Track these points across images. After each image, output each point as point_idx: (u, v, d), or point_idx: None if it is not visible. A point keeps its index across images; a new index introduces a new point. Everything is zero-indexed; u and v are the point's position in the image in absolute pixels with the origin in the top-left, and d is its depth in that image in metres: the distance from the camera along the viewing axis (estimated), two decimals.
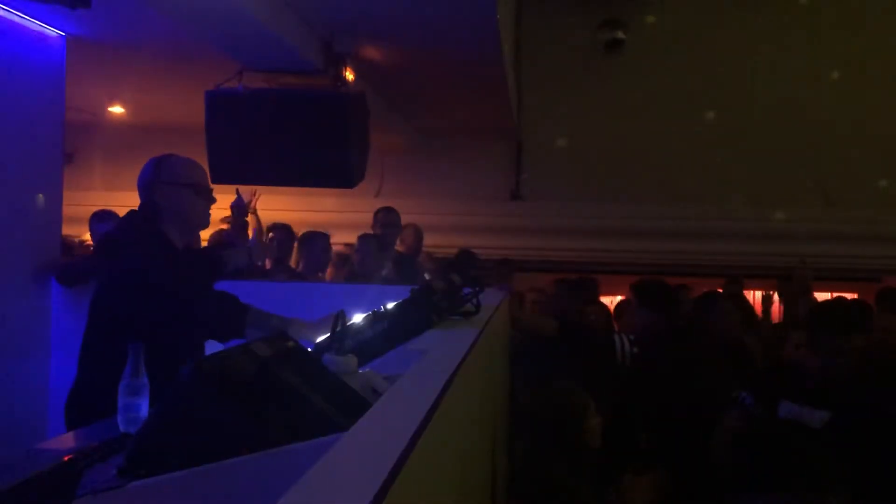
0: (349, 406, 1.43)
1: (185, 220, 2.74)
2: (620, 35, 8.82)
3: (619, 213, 8.89)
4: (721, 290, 6.67)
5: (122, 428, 1.87)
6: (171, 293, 2.58)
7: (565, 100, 9.04)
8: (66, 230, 4.96)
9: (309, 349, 1.79)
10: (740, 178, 8.86)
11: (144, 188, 2.73)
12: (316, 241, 5.54)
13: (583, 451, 2.94)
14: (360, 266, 5.49)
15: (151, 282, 2.55)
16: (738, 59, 8.94)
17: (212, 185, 2.88)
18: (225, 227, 6.10)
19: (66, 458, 1.18)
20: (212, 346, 2.75)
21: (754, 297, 8.88)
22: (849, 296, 5.80)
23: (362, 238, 5.65)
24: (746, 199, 8.82)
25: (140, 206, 2.73)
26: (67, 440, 1.98)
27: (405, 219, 6.01)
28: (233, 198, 5.20)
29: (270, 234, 5.63)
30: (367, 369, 1.73)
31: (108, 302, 2.63)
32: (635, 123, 8.94)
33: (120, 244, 2.73)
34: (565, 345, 3.91)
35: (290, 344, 1.61)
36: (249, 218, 5.47)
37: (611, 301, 6.75)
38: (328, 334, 3.32)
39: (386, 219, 5.74)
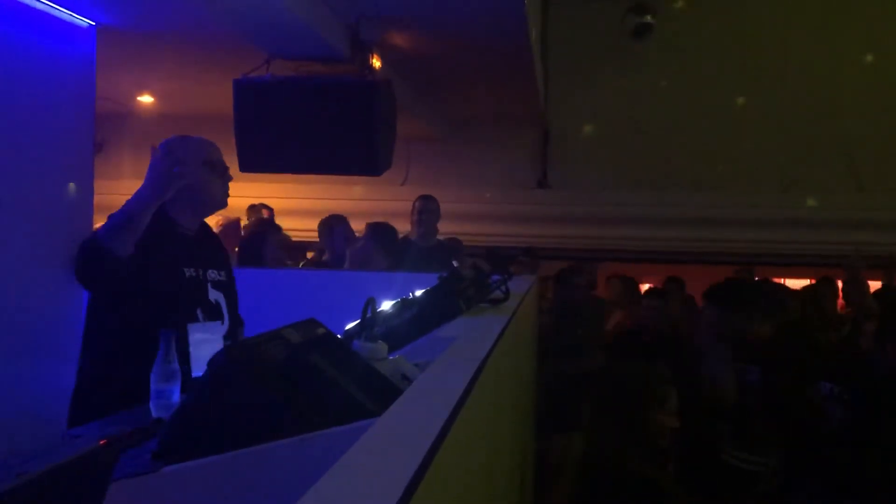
0: (380, 392, 1.43)
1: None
2: (649, 19, 8.69)
3: (647, 201, 8.81)
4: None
5: (154, 414, 1.89)
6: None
7: (592, 87, 8.97)
8: (97, 220, 5.01)
9: (339, 336, 1.80)
10: (770, 164, 8.75)
11: None
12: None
13: (658, 436, 2.94)
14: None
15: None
16: (768, 43, 8.81)
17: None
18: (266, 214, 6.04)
19: (101, 443, 1.20)
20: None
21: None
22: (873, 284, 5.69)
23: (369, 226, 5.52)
24: (777, 185, 8.71)
25: None
26: (101, 427, 2.00)
27: None
28: (262, 185, 5.16)
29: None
30: (396, 356, 1.73)
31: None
32: (663, 110, 8.85)
33: None
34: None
35: (321, 330, 1.62)
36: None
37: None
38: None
39: (423, 205, 5.64)
